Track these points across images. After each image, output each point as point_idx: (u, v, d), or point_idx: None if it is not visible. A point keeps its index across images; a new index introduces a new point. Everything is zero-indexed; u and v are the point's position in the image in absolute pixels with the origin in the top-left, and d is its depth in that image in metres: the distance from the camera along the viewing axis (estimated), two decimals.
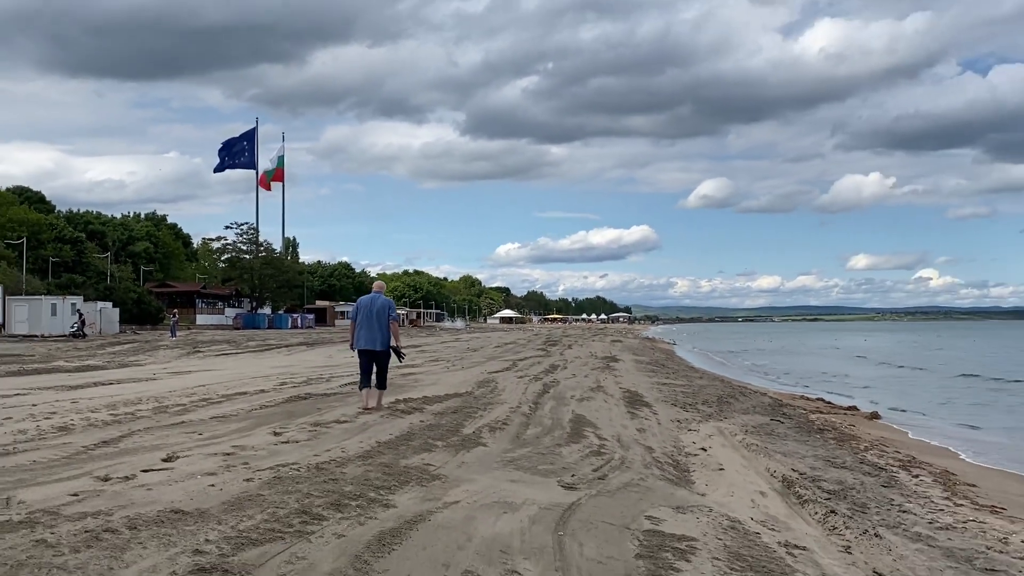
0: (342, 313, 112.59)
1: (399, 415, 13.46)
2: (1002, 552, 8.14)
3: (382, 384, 14.41)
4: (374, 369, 14.28)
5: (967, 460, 15.55)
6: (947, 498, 11.04)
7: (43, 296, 57.06)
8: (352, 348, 14.59)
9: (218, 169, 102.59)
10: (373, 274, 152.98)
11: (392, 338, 14.26)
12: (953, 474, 13.31)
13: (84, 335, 50.65)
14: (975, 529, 9.12)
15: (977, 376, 40.53)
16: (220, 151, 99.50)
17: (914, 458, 14.61)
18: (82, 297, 59.68)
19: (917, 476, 12.67)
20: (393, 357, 14.43)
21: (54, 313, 53.94)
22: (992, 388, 34.33)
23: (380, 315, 14.17)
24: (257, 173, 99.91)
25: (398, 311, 15.57)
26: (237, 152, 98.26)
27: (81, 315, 52.57)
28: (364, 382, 14.23)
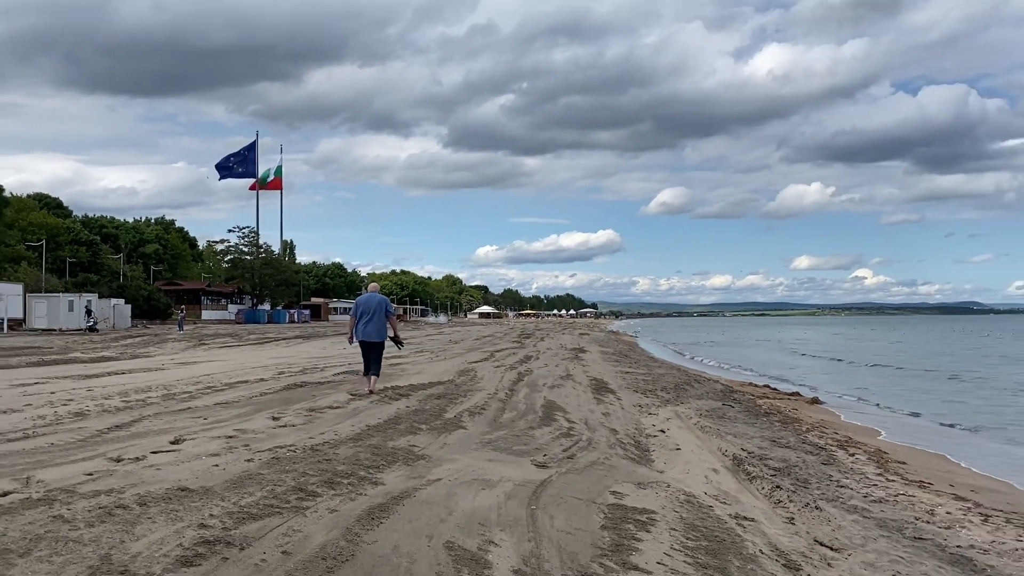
0: (335, 309, 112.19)
1: (387, 401, 13.49)
2: (928, 523, 8.28)
3: (376, 371, 14.79)
4: (376, 355, 14.73)
5: (897, 441, 15.73)
6: (880, 474, 11.19)
7: (60, 294, 56.67)
8: (350, 341, 15.08)
9: (223, 177, 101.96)
10: (363, 273, 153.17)
11: (391, 329, 14.89)
12: (885, 453, 13.48)
13: (97, 329, 50.27)
14: (905, 502, 9.27)
15: (905, 368, 41.00)
16: (225, 162, 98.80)
17: (850, 439, 14.78)
18: (96, 295, 59.23)
19: (853, 455, 12.82)
20: (392, 347, 15.17)
21: (71, 309, 53.67)
22: (918, 377, 34.68)
23: (377, 311, 14.59)
24: (257, 183, 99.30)
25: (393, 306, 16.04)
26: (239, 163, 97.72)
27: (90, 311, 52.16)
28: (367, 369, 14.79)
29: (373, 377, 14.71)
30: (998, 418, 20.04)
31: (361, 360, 15.20)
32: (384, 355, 15.33)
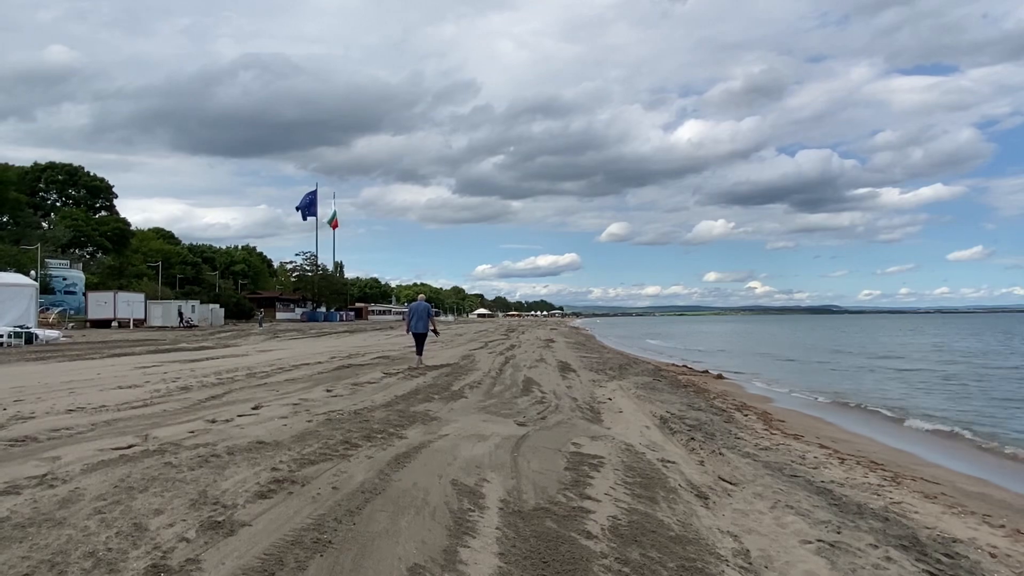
0: (372, 311, 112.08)
1: (410, 378, 13.47)
2: (800, 464, 8.33)
3: (421, 351, 16.72)
4: (423, 342, 16.70)
5: (781, 404, 15.83)
6: (766, 429, 11.25)
7: (172, 301, 56.34)
8: (407, 332, 17.03)
9: (305, 218, 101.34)
10: (393, 285, 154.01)
11: (431, 324, 16.69)
12: (769, 414, 13.55)
13: (189, 326, 50.19)
14: (784, 449, 9.32)
15: (788, 353, 41.24)
16: (301, 204, 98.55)
17: (745, 404, 14.85)
18: (198, 302, 58.97)
19: (747, 415, 12.88)
20: (430, 335, 17.06)
21: (178, 312, 53.50)
22: (792, 359, 34.96)
23: (424, 313, 16.56)
24: (317, 219, 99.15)
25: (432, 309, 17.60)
26: (306, 207, 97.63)
27: (182, 314, 52.11)
28: (418, 351, 16.65)
29: (420, 356, 16.52)
30: (855, 388, 20.22)
31: (414, 345, 16.97)
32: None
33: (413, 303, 17.35)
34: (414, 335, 16.56)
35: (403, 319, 17.82)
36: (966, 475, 9.10)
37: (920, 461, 9.91)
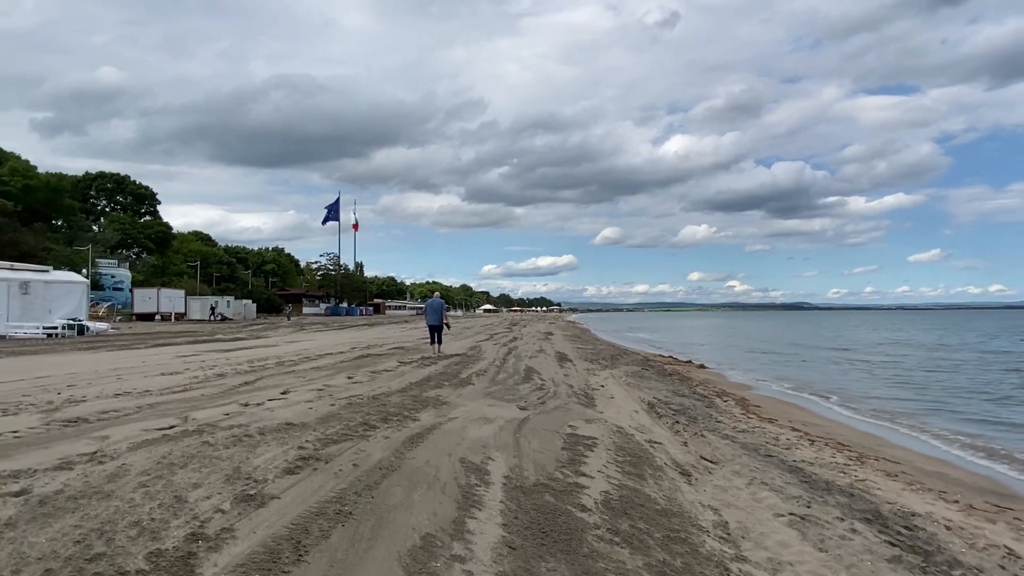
0: (390, 306, 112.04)
1: (423, 366, 13.44)
2: (775, 445, 8.31)
3: (439, 341, 16.94)
4: (438, 334, 16.91)
5: (757, 391, 15.80)
6: (743, 414, 11.23)
7: (209, 296, 56.38)
8: (427, 324, 17.38)
9: (325, 222, 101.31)
10: (408, 283, 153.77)
11: (445, 318, 17.09)
12: (747, 400, 13.53)
13: (221, 320, 50.22)
14: (759, 432, 9.30)
15: (764, 346, 41.17)
16: (325, 213, 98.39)
17: (724, 391, 14.83)
18: (233, 297, 58.96)
19: (726, 401, 12.85)
20: (444, 328, 17.28)
21: (218, 306, 53.57)
22: (766, 352, 34.88)
23: (439, 308, 17.13)
24: (340, 224, 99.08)
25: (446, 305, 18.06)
26: (330, 212, 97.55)
27: (213, 308, 52.11)
28: (432, 341, 16.85)
29: (438, 345, 16.82)
30: (823, 378, 20.18)
31: (428, 337, 17.36)
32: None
33: (430, 300, 17.74)
34: (430, 327, 16.99)
35: (420, 314, 18.08)
36: (925, 456, 9.08)
37: (883, 443, 9.89)
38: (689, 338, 51.14)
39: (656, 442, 7.17)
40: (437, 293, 19.08)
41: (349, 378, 11.06)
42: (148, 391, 9.03)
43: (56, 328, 25.33)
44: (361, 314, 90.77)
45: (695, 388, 14.55)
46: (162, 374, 11.40)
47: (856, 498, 5.86)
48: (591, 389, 11.73)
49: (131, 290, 51.14)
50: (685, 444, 7.56)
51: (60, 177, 61.88)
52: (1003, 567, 4.57)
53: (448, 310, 18.52)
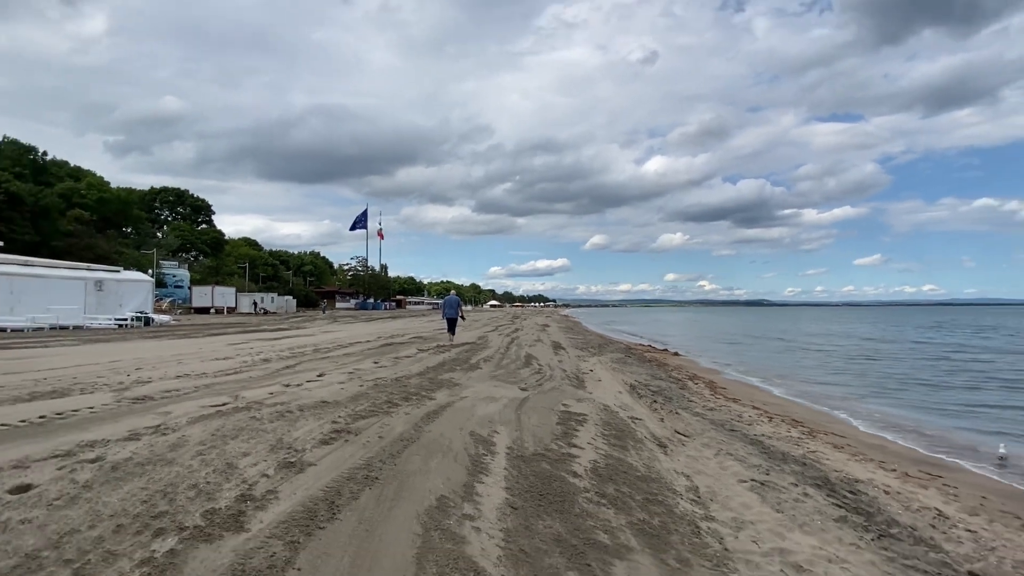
0: (410, 302, 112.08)
1: (438, 353, 13.42)
2: (738, 422, 8.28)
3: (454, 332, 17.10)
4: (454, 326, 17.08)
5: (724, 375, 15.75)
6: (712, 395, 11.19)
7: (255, 293, 56.42)
8: (442, 317, 17.47)
9: (353, 229, 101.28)
10: (426, 282, 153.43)
11: (460, 312, 17.28)
12: (715, 383, 13.49)
13: (264, 313, 50.23)
14: (725, 410, 9.27)
15: (726, 337, 41.00)
16: (353, 222, 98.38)
17: (695, 375, 14.78)
18: (276, 294, 59.03)
19: (697, 384, 12.82)
20: (459, 320, 17.41)
21: (261, 301, 53.59)
22: (735, 341, 34.77)
23: (455, 303, 17.28)
24: (368, 232, 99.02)
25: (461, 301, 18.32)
26: (359, 221, 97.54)
27: (256, 303, 52.10)
28: (450, 332, 16.98)
29: (453, 336, 16.99)
30: (779, 365, 20.12)
31: (445, 329, 17.50)
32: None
33: (447, 297, 17.91)
34: (447, 320, 17.22)
35: (437, 308, 18.26)
36: (866, 432, 9.06)
37: (831, 419, 9.86)
38: (665, 330, 50.99)
39: (637, 418, 7.16)
40: (453, 291, 19.69)
41: (375, 363, 11.06)
42: (204, 373, 9.04)
43: (126, 320, 25.38)
44: (385, 308, 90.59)
45: (671, 373, 14.52)
46: (216, 359, 11.41)
47: (808, 467, 5.84)
48: (582, 373, 11.72)
49: (189, 288, 51.15)
50: (662, 420, 7.55)
51: (129, 191, 61.98)
52: (933, 526, 4.56)
53: (462, 305, 18.60)
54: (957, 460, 7.41)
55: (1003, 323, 60.64)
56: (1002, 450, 7.72)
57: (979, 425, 9.71)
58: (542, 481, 4.16)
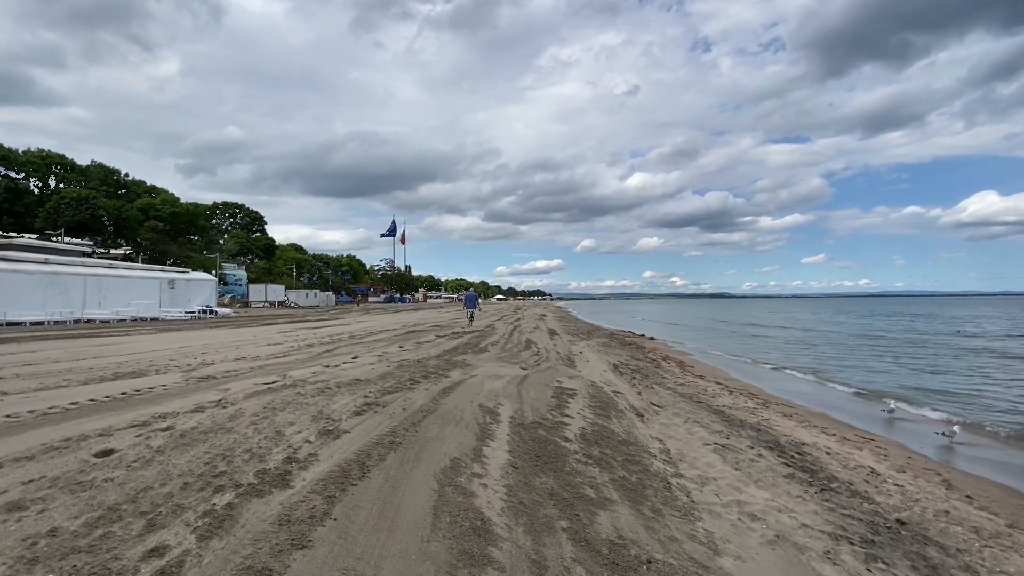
0: (429, 296, 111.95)
1: (453, 339, 13.40)
2: (704, 394, 8.23)
3: (472, 320, 18.18)
4: (472, 315, 18.45)
5: (694, 357, 15.67)
6: (682, 372, 11.14)
7: (301, 290, 56.52)
8: (463, 308, 18.69)
9: (383, 236, 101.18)
10: (443, 280, 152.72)
11: (477, 305, 18.42)
12: (685, 363, 13.42)
13: (299, 308, 50.15)
14: (693, 385, 9.22)
15: (696, 323, 40.79)
16: (386, 230, 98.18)
17: (668, 356, 14.71)
18: (318, 290, 59.02)
19: (669, 363, 12.76)
20: (476, 312, 18.86)
21: (307, 297, 53.62)
22: (701, 328, 34.59)
23: (474, 298, 18.48)
24: (395, 239, 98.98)
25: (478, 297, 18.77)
26: (391, 230, 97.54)
27: (289, 300, 51.98)
28: (469, 320, 18.04)
29: (471, 322, 17.83)
30: (743, 347, 20.02)
31: (464, 318, 18.74)
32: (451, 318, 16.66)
33: (467, 292, 19.13)
34: (468, 311, 18.18)
35: (457, 300, 18.65)
36: (811, 403, 9.00)
37: (782, 389, 9.81)
38: (642, 318, 50.82)
39: (619, 392, 7.14)
40: (472, 288, 20.29)
41: (400, 347, 11.06)
42: (257, 356, 9.06)
43: (194, 312, 25.49)
44: (409, 302, 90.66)
45: (647, 354, 14.47)
46: (267, 345, 11.43)
47: (762, 432, 5.81)
48: (573, 355, 11.69)
49: (247, 285, 51.39)
50: (639, 394, 7.52)
51: (196, 205, 62.08)
52: (867, 481, 4.53)
53: (478, 300, 19.08)
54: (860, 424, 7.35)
55: (929, 311, 60.23)
56: (891, 405, 7.83)
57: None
58: (539, 445, 4.15)
